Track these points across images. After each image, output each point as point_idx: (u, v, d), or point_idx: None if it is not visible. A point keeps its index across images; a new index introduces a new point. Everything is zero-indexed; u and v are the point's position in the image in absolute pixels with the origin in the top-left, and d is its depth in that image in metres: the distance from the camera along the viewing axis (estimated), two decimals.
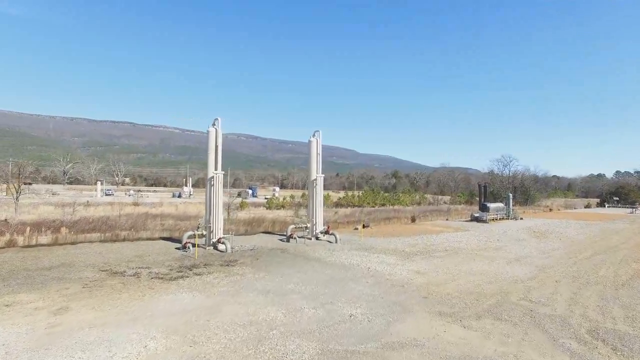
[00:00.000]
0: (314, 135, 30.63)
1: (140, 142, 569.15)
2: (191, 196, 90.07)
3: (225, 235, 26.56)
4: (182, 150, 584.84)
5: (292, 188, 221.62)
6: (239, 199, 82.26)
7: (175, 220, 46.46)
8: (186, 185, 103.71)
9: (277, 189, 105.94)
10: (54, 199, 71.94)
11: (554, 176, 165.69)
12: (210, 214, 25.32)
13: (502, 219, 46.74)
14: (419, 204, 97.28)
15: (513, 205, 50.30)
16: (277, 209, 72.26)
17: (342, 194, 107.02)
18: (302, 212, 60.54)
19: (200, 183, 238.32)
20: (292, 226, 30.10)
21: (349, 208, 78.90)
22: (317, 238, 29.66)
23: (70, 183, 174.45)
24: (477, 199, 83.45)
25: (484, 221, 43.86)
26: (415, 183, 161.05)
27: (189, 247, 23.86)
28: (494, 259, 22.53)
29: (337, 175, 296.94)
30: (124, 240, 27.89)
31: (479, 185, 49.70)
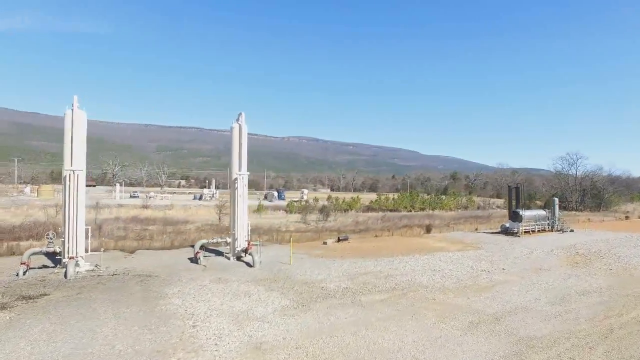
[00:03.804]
0: (237, 120, 22.47)
1: (206, 146, 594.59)
2: (212, 198, 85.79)
3: (93, 253, 19.51)
4: None
5: (342, 190, 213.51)
6: (263, 202, 76.12)
7: (160, 225, 41.17)
8: (208, 187, 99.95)
9: (306, 191, 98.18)
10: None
11: None
12: (66, 224, 18.31)
13: (543, 230, 34.65)
14: (466, 208, 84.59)
15: (560, 212, 37.61)
16: (298, 212, 65.11)
17: (390, 196, 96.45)
18: (312, 217, 52.69)
19: (252, 185, 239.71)
20: (204, 241, 22.28)
21: (380, 212, 69.66)
22: (238, 258, 21.52)
23: (132, 185, 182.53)
24: (534, 204, 69.15)
25: (514, 234, 32.40)
26: (471, 185, 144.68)
27: (19, 271, 17.20)
28: (454, 314, 12.80)
29: (393, 177, 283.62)
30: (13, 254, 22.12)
31: (509, 188, 37.78)
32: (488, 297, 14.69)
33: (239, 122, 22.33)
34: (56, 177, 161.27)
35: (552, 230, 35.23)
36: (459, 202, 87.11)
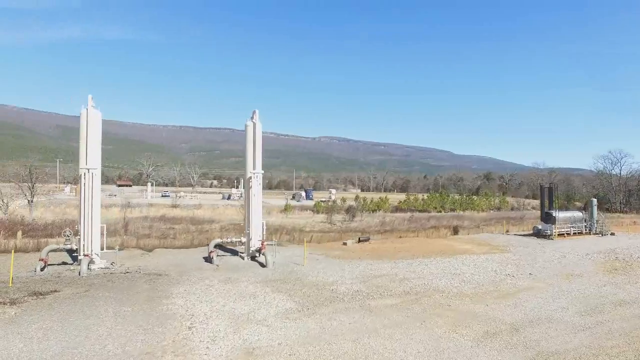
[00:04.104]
0: (252, 118, 22.16)
1: (238, 146, 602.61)
2: (241, 198, 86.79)
3: (109, 250, 19.69)
4: (276, 153, 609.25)
5: (372, 191, 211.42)
6: (290, 202, 76.16)
7: (186, 224, 41.84)
8: (237, 187, 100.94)
9: (334, 191, 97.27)
10: (102, 200, 73.63)
11: None
12: (82, 222, 18.57)
13: (580, 233, 32.35)
14: (499, 209, 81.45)
15: (600, 213, 34.87)
16: (325, 212, 64.90)
17: (420, 196, 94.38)
18: (338, 217, 52.13)
19: (282, 185, 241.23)
20: (218, 241, 22.11)
21: (408, 213, 68.24)
22: (253, 258, 21.21)
23: (165, 185, 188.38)
24: (572, 205, 65.45)
25: (547, 236, 30.43)
26: (505, 185, 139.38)
27: (36, 267, 17.59)
28: (468, 323, 11.83)
29: (425, 177, 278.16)
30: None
31: (541, 187, 35.51)
32: (509, 305, 13.55)
33: (253, 120, 22.03)
34: None
35: (589, 233, 32.90)
36: (491, 202, 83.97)
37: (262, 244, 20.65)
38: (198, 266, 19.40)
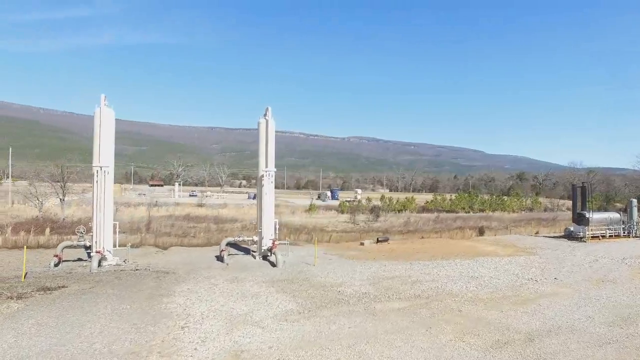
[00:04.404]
0: (265, 115, 21.79)
1: None
2: None
3: (119, 248, 19.84)
4: (305, 154, 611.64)
5: (401, 191, 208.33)
6: (315, 202, 75.87)
7: (208, 223, 42.28)
8: None
9: (359, 191, 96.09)
10: (131, 199, 75.64)
11: None
12: (94, 219, 18.77)
13: (617, 236, 30.10)
14: (531, 209, 78.07)
15: (639, 215, 32.19)
16: (349, 212, 64.32)
17: (447, 196, 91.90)
18: (362, 217, 51.38)
19: (309, 184, 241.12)
20: (230, 239, 21.86)
21: (435, 213, 66.56)
22: (265, 257, 20.88)
23: (195, 185, 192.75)
24: (612, 206, 61.70)
25: (579, 239, 28.47)
26: (539, 185, 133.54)
27: (50, 263, 17.93)
28: (478, 330, 10.94)
29: (455, 177, 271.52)
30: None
31: (573, 187, 33.30)
32: (527, 312, 12.48)
33: (266, 117, 21.68)
34: (128, 178, 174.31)
35: (628, 236, 30.57)
36: (523, 203, 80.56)
37: (273, 243, 20.27)
38: (208, 264, 19.25)
